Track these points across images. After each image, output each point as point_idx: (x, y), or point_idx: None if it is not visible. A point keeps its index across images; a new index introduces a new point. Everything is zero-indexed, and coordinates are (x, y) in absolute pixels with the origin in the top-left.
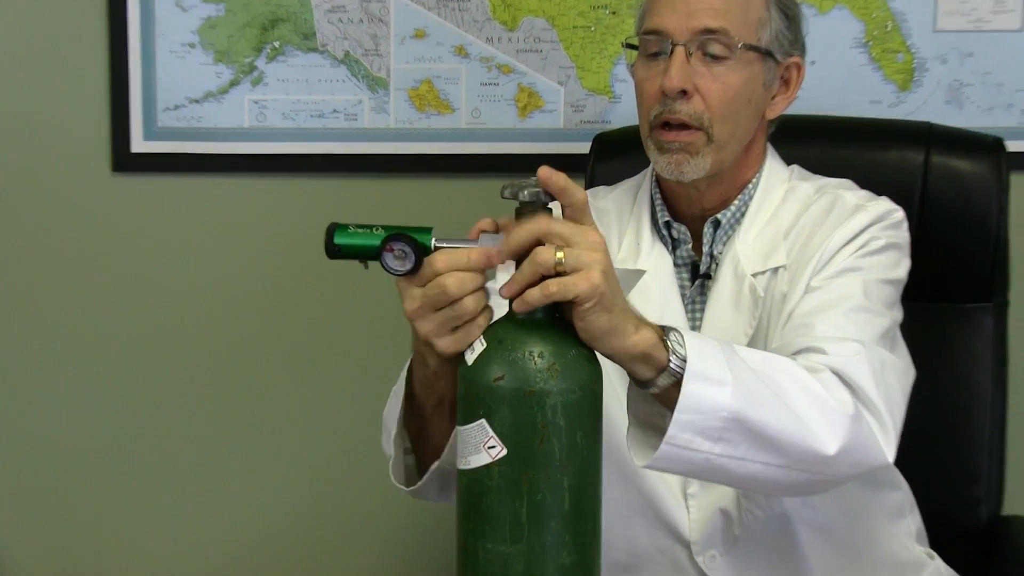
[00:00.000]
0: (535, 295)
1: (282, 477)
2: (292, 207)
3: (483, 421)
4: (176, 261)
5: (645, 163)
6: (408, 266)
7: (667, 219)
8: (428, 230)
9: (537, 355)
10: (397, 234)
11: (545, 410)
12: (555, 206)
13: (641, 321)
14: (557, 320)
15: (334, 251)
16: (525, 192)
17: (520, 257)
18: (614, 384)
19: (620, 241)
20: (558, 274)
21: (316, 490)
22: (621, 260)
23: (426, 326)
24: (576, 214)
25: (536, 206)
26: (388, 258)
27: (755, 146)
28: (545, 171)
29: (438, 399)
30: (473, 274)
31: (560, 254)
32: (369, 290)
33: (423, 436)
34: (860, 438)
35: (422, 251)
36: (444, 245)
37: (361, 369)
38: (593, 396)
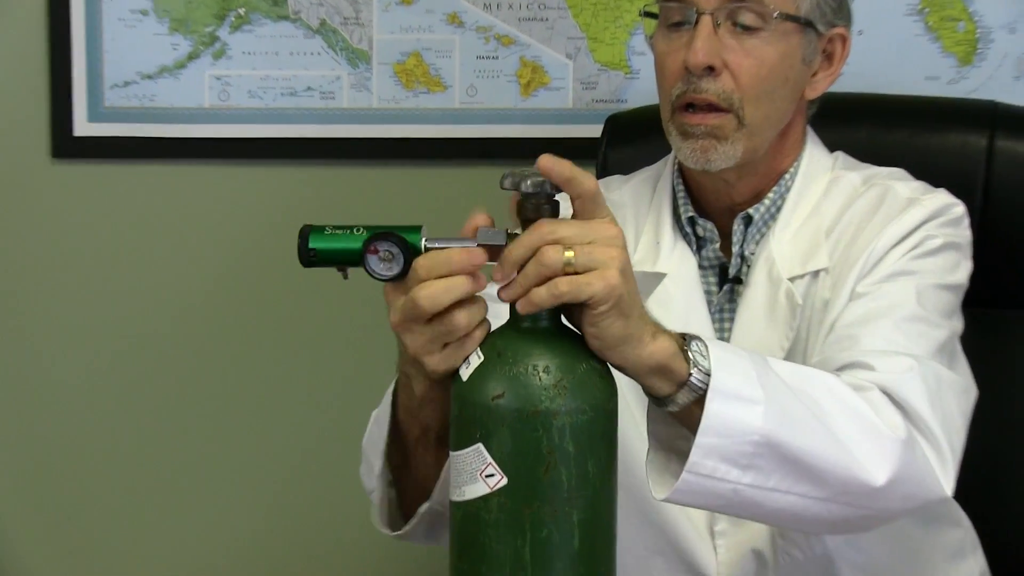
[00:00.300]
0: (542, 294)
1: (253, 482)
2: (259, 200)
3: (480, 446)
4: (125, 261)
5: (666, 149)
6: (396, 270)
7: (691, 214)
8: (417, 228)
9: (542, 369)
10: (382, 233)
11: (551, 433)
12: (565, 197)
13: (659, 329)
14: (565, 329)
15: (309, 258)
16: (528, 182)
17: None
18: (630, 404)
19: (637, 239)
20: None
21: (296, 490)
22: (638, 261)
23: (413, 341)
24: (587, 205)
25: (541, 198)
26: (372, 261)
27: (793, 130)
28: (546, 160)
29: (422, 430)
30: (459, 281)
31: (569, 253)
32: (350, 295)
33: (406, 469)
34: (913, 467)
35: (412, 252)
36: (437, 245)
37: (334, 378)
38: (607, 417)
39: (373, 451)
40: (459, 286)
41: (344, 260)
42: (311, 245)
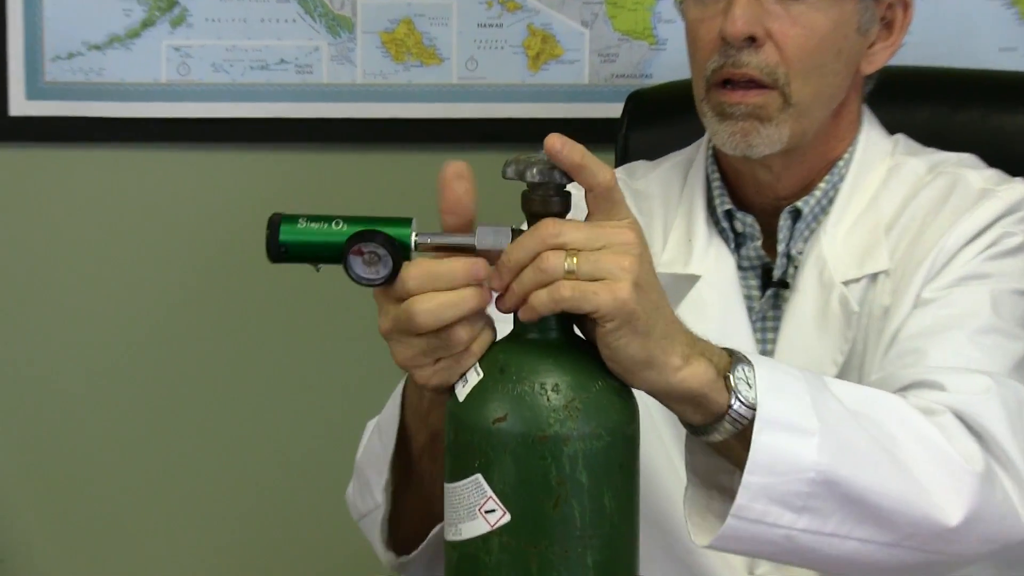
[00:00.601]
0: (542, 298)
1: (233, 477)
2: (224, 191)
3: (479, 477)
4: (70, 259)
5: (698, 132)
6: (384, 273)
7: (728, 207)
8: (406, 222)
9: (551, 388)
10: (367, 231)
11: (561, 461)
12: (577, 189)
13: (693, 349)
14: (578, 342)
15: (279, 252)
16: (534, 170)
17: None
18: (657, 423)
19: (666, 236)
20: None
21: (286, 482)
22: (668, 262)
23: (402, 352)
24: (601, 201)
25: (549, 189)
26: (355, 264)
27: (847, 110)
28: (555, 141)
29: (430, 436)
30: (465, 295)
31: (573, 259)
32: (326, 288)
33: (406, 485)
34: (992, 503)
35: (401, 251)
36: (429, 241)
37: (312, 376)
38: (626, 442)
39: (374, 464)
40: (465, 302)
41: (321, 257)
42: (283, 239)
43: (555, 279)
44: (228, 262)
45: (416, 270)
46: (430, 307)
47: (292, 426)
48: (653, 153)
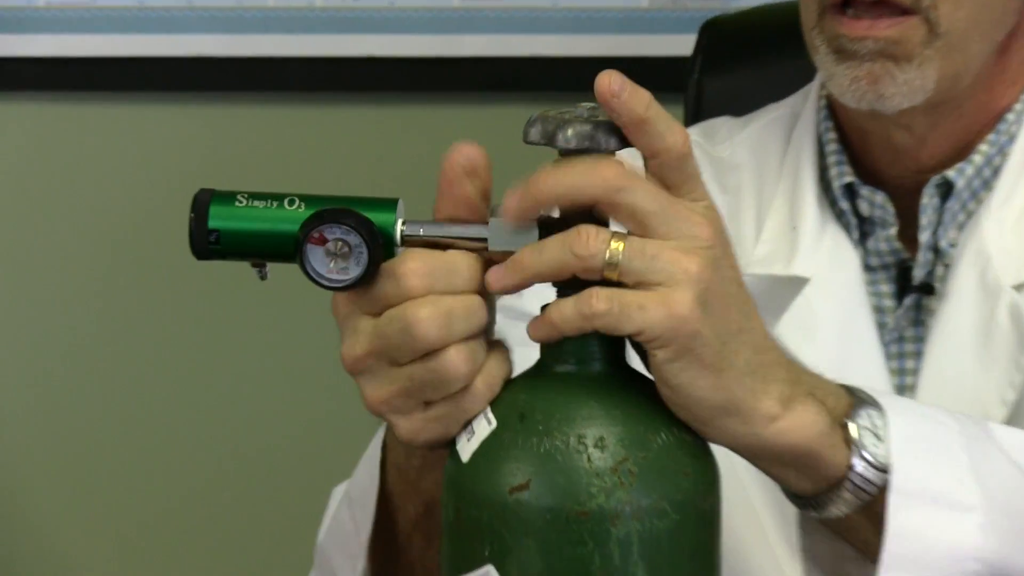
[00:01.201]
0: (566, 311)
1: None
2: (131, 155)
3: (490, 569)
4: None
5: (806, 74)
6: (355, 272)
7: (849, 180)
8: (390, 205)
9: (593, 443)
10: (334, 211)
11: (608, 548)
12: (637, 156)
13: (796, 388)
14: (632, 376)
15: (208, 245)
16: (570, 131)
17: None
18: (747, 491)
19: (760, 223)
20: (605, 283)
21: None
22: (764, 259)
23: (378, 390)
24: (669, 174)
25: (593, 156)
26: (315, 256)
27: (1018, 44)
28: (609, 81)
29: (423, 507)
30: (467, 301)
31: (617, 244)
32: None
33: (392, 573)
34: None
35: (379, 243)
36: (422, 233)
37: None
38: (700, 521)
39: (344, 547)
40: (474, 313)
41: (267, 251)
42: (213, 224)
43: (588, 265)
44: (133, 248)
45: (416, 261)
46: (435, 314)
47: (260, 414)
48: (739, 106)
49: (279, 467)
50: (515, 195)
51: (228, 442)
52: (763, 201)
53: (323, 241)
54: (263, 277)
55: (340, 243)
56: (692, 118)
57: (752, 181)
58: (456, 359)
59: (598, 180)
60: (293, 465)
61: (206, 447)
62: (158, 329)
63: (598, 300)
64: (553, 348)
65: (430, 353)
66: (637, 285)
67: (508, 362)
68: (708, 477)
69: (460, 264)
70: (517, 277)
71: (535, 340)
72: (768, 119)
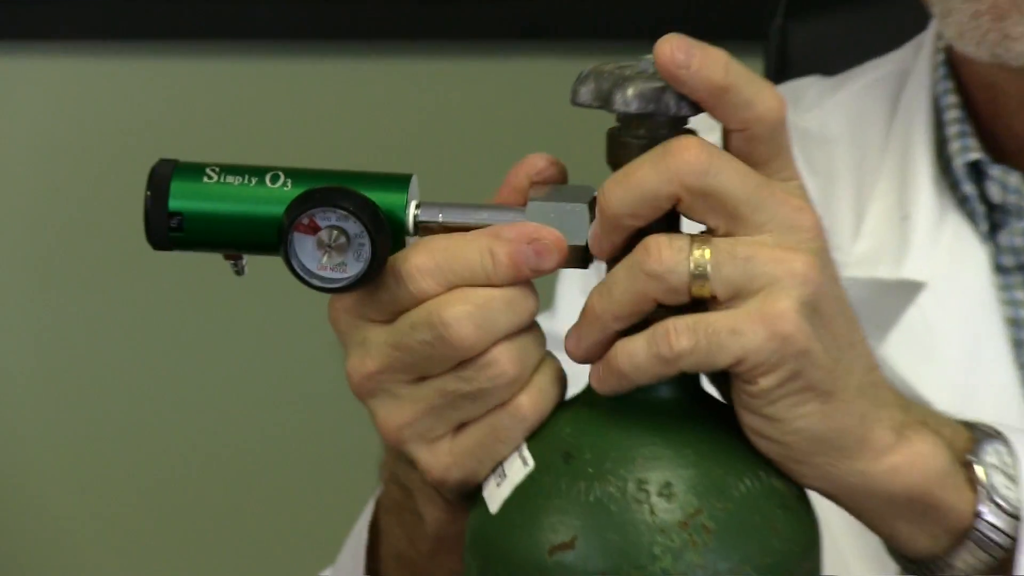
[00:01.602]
0: (640, 357)
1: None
2: (78, 113)
3: None
4: None
5: (917, 22)
6: (356, 269)
7: (976, 157)
8: (401, 183)
9: (657, 490)
10: (327, 191)
11: None
12: (713, 127)
13: (908, 409)
14: (707, 403)
15: (167, 228)
16: (629, 91)
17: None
18: (840, 549)
19: (860, 211)
20: (696, 304)
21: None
22: (864, 257)
23: (398, 415)
24: (757, 146)
25: (658, 124)
26: (303, 248)
27: None
28: (672, 49)
29: None
30: (506, 293)
31: (700, 250)
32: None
33: None
34: None
35: (385, 232)
36: (441, 218)
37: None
38: None
39: None
40: (517, 304)
41: (243, 241)
42: (175, 205)
43: (669, 288)
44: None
45: (424, 256)
46: (469, 311)
47: (257, 404)
48: (831, 62)
49: (278, 463)
50: (593, 236)
51: (223, 436)
52: (864, 184)
53: (314, 229)
54: (239, 272)
55: (335, 232)
56: (775, 75)
57: (849, 159)
58: (503, 359)
59: (677, 169)
60: (293, 462)
61: (202, 441)
62: (137, 319)
63: (678, 336)
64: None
65: (469, 361)
66: (733, 298)
67: (561, 380)
68: (805, 536)
69: (476, 251)
70: (595, 331)
71: (602, 393)
72: (869, 79)
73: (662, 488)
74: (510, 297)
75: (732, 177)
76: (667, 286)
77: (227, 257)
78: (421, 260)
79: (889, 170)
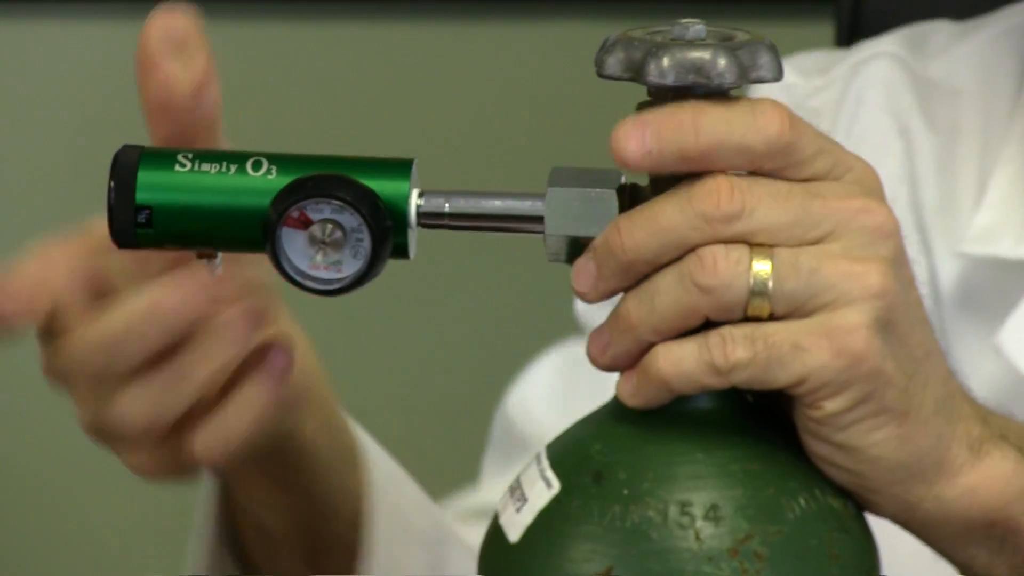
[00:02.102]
0: (688, 364)
1: None
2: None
3: None
4: None
5: None
6: (355, 267)
7: None
8: (402, 169)
9: (703, 513)
10: (320, 179)
11: None
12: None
13: (986, 421)
14: (756, 414)
15: (134, 224)
16: (665, 59)
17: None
18: None
19: (983, 178)
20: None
21: None
22: (985, 231)
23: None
24: (785, 171)
25: (695, 98)
26: (292, 245)
27: None
28: (623, 136)
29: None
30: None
31: (761, 261)
32: None
33: None
34: None
35: (386, 225)
36: (446, 209)
37: None
38: None
39: None
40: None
41: (221, 237)
42: (143, 198)
43: (724, 296)
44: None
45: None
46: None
47: None
48: (940, 6)
49: None
50: (588, 275)
51: None
52: (989, 147)
53: (305, 223)
54: (211, 265)
55: (330, 226)
56: (847, 39)
57: (976, 116)
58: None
59: (707, 216)
60: None
61: None
62: None
63: (734, 346)
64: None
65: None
66: (794, 314)
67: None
68: (865, 561)
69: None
70: (628, 341)
71: (634, 405)
72: (1003, 27)
73: (708, 511)
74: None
75: (771, 208)
76: (721, 303)
77: (200, 255)
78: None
79: (1019, 133)
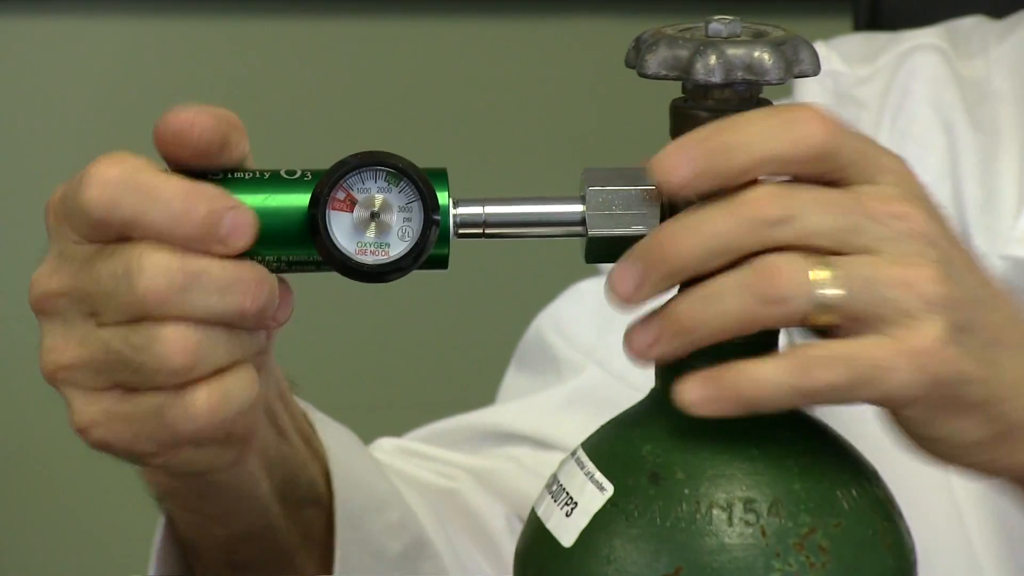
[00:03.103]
0: (771, 383)
1: None
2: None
3: None
4: None
5: None
6: (403, 248)
7: None
8: (440, 177)
9: (767, 508)
10: (366, 153)
11: None
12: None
13: None
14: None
15: None
16: (712, 57)
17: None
18: (974, 546)
19: None
20: (817, 330)
21: None
22: None
23: (63, 352)
24: (831, 176)
25: (734, 95)
26: (340, 226)
27: None
28: (667, 167)
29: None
30: (224, 281)
31: (823, 272)
32: None
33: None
34: None
35: (436, 207)
36: (483, 217)
37: None
38: None
39: None
40: (245, 304)
41: (259, 234)
42: None
43: (786, 309)
44: None
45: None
46: (171, 268)
47: None
48: (928, 14)
49: None
50: (631, 278)
51: None
52: None
53: (351, 204)
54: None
55: (379, 198)
56: (865, 29)
57: (1017, 118)
58: (173, 341)
59: (754, 220)
60: None
61: None
62: None
63: (820, 370)
64: (677, 368)
65: (142, 321)
66: (859, 328)
67: (253, 386)
68: (910, 546)
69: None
70: (682, 343)
71: (701, 415)
72: None
73: (771, 506)
74: (229, 282)
75: (816, 214)
76: (784, 315)
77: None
78: (112, 173)
79: None
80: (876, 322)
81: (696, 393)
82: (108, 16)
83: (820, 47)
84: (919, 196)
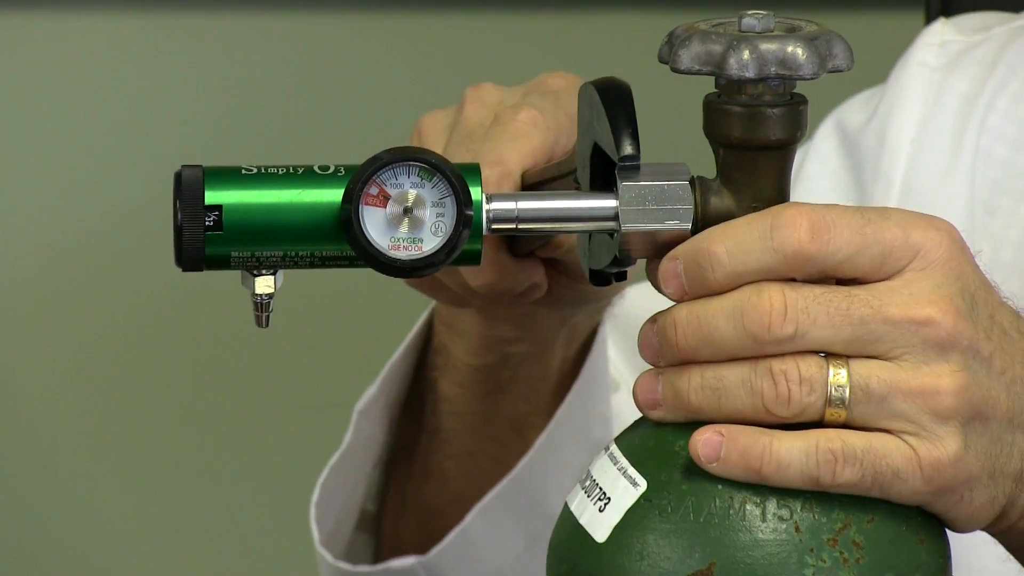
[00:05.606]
0: (793, 469)
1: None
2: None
3: None
4: None
5: None
6: (436, 243)
7: None
8: (473, 172)
9: (801, 504)
10: (398, 149)
11: None
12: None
13: None
14: None
15: (203, 227)
16: (745, 52)
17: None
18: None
19: None
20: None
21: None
22: None
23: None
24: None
25: (767, 90)
26: (374, 221)
27: None
28: (703, 447)
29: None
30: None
31: (840, 372)
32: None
33: (416, 479)
34: None
35: (470, 201)
36: (516, 212)
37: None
38: None
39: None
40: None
41: (293, 231)
42: (212, 199)
43: (810, 409)
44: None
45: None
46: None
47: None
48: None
49: (283, 462)
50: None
51: (236, 437)
52: None
53: (384, 199)
54: (262, 321)
55: (413, 193)
56: (937, 16)
57: None
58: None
59: (779, 252)
60: (298, 461)
61: (211, 442)
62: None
63: (843, 467)
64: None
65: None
66: (874, 428)
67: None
68: (943, 543)
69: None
70: (684, 417)
71: (714, 472)
72: None
73: (805, 502)
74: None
75: (826, 329)
76: (794, 415)
77: (255, 271)
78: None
79: None
80: (893, 427)
81: (711, 450)
82: (105, 12)
83: (938, 23)
84: (946, 281)
